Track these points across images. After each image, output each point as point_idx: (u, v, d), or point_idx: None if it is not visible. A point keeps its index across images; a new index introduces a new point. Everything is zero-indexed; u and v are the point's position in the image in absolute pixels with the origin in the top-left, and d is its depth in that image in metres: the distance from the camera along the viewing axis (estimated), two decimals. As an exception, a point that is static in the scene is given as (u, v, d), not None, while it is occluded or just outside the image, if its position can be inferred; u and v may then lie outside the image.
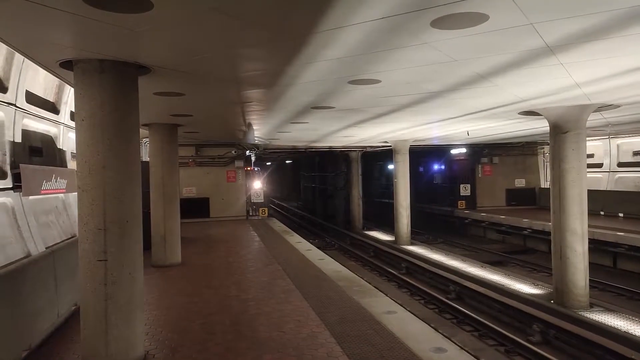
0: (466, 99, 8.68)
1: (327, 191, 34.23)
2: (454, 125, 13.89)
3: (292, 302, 7.83)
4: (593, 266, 11.78)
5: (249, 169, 24.22)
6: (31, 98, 8.64)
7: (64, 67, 5.50)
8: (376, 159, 33.19)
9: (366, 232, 25.12)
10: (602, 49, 5.42)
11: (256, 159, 24.41)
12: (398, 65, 5.97)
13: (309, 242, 15.65)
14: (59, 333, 6.58)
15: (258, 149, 22.11)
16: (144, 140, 15.24)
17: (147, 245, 9.51)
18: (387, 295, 9.11)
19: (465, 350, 6.20)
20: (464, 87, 7.50)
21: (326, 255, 12.52)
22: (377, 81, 6.88)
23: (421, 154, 27.02)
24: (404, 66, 6.01)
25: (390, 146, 19.78)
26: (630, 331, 8.38)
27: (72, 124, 9.74)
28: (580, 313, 9.33)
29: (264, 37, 4.68)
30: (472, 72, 6.46)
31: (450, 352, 5.61)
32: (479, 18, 4.20)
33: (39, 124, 9.22)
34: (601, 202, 19.41)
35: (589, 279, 9.96)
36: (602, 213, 19.43)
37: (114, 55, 5.17)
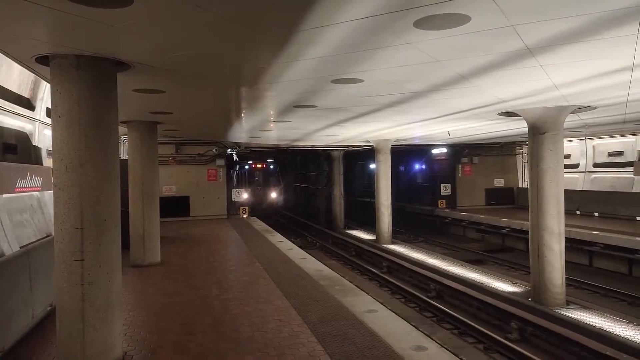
0: (448, 99, 8.75)
1: (309, 190, 34.22)
2: (436, 125, 14.01)
3: (273, 302, 7.79)
4: (569, 264, 12.04)
5: (260, 166, 21.59)
6: (5, 94, 8.42)
7: (40, 63, 5.36)
8: (358, 158, 33.30)
9: (348, 231, 25.19)
10: (580, 52, 5.52)
11: (238, 157, 23.98)
12: (381, 65, 5.98)
13: (291, 241, 15.62)
14: (34, 334, 6.42)
15: (239, 147, 21.96)
16: (123, 137, 14.99)
17: (126, 245, 9.34)
18: (368, 294, 9.13)
19: (445, 348, 6.25)
20: (445, 87, 7.56)
21: (308, 254, 12.51)
22: (360, 80, 6.88)
23: (403, 154, 27.22)
24: (386, 66, 6.03)
25: (372, 145, 19.86)
26: (604, 328, 8.57)
27: (48, 120, 9.53)
28: (556, 310, 9.51)
29: (248, 35, 4.63)
30: (453, 73, 6.52)
31: (431, 350, 5.66)
32: (461, 19, 4.23)
33: (13, 120, 8.99)
34: (577, 202, 19.85)
35: (566, 277, 10.16)
36: (578, 212, 19.86)
37: (92, 50, 5.05)
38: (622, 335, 8.25)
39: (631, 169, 18.96)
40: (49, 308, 7.16)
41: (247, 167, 22.93)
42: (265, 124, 13.10)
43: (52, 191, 5.40)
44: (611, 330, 8.44)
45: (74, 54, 5.08)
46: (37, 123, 10.03)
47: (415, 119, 12.40)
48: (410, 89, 7.78)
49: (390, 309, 7.83)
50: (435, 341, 6.61)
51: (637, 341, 7.93)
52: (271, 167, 22.61)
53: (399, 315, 7.46)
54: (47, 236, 9.27)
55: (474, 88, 7.62)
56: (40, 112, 10.12)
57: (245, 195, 23.77)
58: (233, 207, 22.18)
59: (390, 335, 6.12)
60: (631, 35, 4.89)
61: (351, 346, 5.78)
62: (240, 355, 5.59)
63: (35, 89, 9.82)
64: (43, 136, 10.32)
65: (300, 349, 5.74)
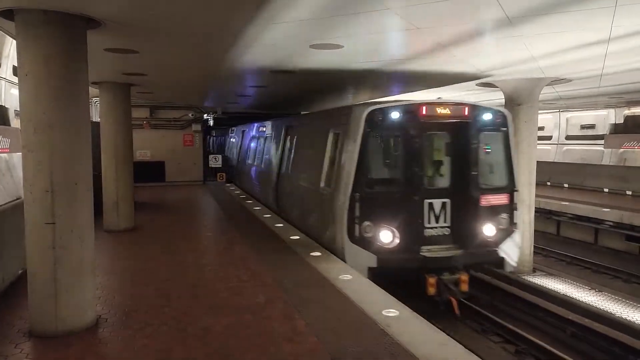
0: (427, 68, 8.72)
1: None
2: (414, 95, 14.00)
3: (249, 268, 7.84)
4: (537, 233, 12.41)
5: (445, 112, 8.54)
6: (-33, 50, 8.01)
7: (4, 17, 5.08)
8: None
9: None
10: (559, 23, 5.53)
11: (214, 123, 23.36)
12: (361, 31, 5.88)
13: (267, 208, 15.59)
14: (5, 298, 6.33)
15: (216, 112, 21.57)
16: (95, 99, 14.53)
17: (99, 210, 9.18)
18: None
19: (416, 313, 6.43)
20: (425, 56, 7.52)
21: (284, 222, 12.54)
22: (340, 46, 6.77)
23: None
24: (367, 32, 5.94)
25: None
26: (568, 294, 8.96)
27: (15, 79, 9.14)
28: (524, 277, 9.85)
29: (223, -6, 4.48)
30: (433, 41, 6.47)
31: (402, 314, 5.81)
32: (443, -15, 4.17)
33: (-23, 78, 8.60)
34: (548, 173, 20.34)
35: (534, 246, 10.50)
36: (548, 183, 20.39)
37: (59, 5, 4.80)
38: (584, 300, 8.63)
39: (602, 142, 19.45)
40: (20, 272, 7.06)
41: (396, 115, 7.47)
42: (242, 89, 12.86)
43: (20, 153, 5.23)
44: (574, 296, 8.82)
45: (40, 8, 4.83)
46: (2, 82, 9.63)
47: (393, 88, 12.36)
48: (391, 57, 7.71)
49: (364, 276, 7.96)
50: (407, 306, 6.78)
51: (598, 306, 8.33)
52: (484, 116, 7.65)
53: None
54: (17, 199, 9.05)
55: (453, 57, 7.60)
56: (6, 70, 9.69)
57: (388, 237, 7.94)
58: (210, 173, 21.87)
59: (363, 300, 6.25)
60: (609, 7, 4.92)
61: (325, 310, 5.89)
62: (216, 318, 5.64)
63: (0, 45, 9.37)
64: (10, 95, 9.93)
65: (276, 313, 5.82)
